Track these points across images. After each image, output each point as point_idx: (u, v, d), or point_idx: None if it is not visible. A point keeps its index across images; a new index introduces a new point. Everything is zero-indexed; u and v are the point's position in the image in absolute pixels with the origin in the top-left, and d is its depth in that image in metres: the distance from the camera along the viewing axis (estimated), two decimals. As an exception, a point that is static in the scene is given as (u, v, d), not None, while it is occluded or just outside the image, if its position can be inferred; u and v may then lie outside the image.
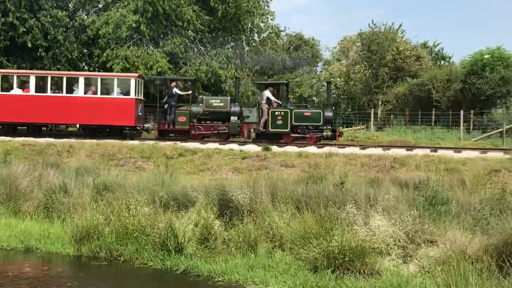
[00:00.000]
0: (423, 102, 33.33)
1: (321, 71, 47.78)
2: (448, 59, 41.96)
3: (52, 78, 27.42)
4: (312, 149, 23.84)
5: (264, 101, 26.42)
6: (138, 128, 27.47)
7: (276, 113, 25.88)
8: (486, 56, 32.84)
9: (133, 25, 32.20)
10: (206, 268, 10.52)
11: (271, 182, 14.04)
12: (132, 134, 27.42)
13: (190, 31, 35.08)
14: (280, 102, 26.50)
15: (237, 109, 26.59)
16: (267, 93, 26.60)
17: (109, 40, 33.39)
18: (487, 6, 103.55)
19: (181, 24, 33.47)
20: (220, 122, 26.65)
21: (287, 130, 25.83)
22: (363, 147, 24.31)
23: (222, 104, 26.52)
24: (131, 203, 12.32)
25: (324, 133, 25.81)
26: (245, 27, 37.64)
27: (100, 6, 36.36)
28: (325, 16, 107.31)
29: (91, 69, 36.99)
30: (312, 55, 49.71)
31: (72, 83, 27.30)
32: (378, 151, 23.33)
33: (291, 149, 24.02)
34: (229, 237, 11.51)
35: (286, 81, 29.98)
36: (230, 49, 37.22)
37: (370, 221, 10.93)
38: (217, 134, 26.55)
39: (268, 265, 10.21)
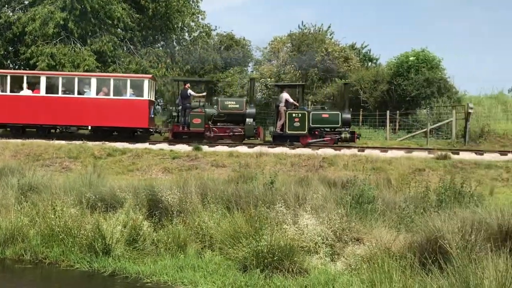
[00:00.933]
0: (351, 103, 33.99)
1: (252, 71, 47.91)
2: (375, 60, 42.83)
3: (64, 78, 26.72)
4: (243, 149, 23.93)
5: (282, 103, 26.05)
6: (151, 130, 26.92)
7: (294, 115, 25.56)
8: (411, 58, 33.71)
9: (61, 22, 31.46)
10: (134, 270, 10.41)
11: (201, 182, 14.01)
12: (144, 136, 26.75)
13: (119, 29, 34.57)
14: (298, 104, 26.24)
15: (252, 110, 26.30)
16: (285, 95, 26.25)
17: (36, 37, 32.50)
18: (413, 10, 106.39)
19: (110, 22, 32.97)
20: (233, 124, 26.25)
21: (305, 132, 25.54)
22: (293, 147, 24.58)
23: (237, 105, 26.10)
24: (57, 204, 12.06)
25: (343, 135, 25.57)
26: (175, 26, 37.39)
27: (26, 2, 35.35)
28: (258, 16, 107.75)
29: (16, 67, 35.89)
30: (243, 55, 49.80)
31: (83, 84, 26.59)
32: (308, 151, 23.64)
33: (222, 149, 24.04)
34: (158, 238, 11.43)
35: (302, 83, 29.60)
36: (161, 48, 36.90)
37: (299, 220, 11.06)
38: (232, 136, 26.13)
39: (198, 265, 10.19)
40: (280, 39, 41.33)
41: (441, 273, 7.90)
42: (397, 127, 30.86)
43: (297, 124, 25.39)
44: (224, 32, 48.26)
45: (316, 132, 25.64)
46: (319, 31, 39.47)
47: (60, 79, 26.42)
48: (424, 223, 10.03)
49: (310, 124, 25.40)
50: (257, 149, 23.57)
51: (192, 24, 38.75)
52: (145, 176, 20.08)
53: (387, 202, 12.69)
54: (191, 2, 37.82)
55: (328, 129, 25.72)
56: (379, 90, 32.99)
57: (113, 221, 11.78)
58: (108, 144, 24.14)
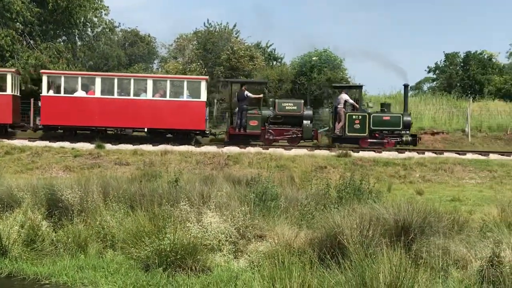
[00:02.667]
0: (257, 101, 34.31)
1: (158, 69, 47.43)
2: (280, 59, 43.41)
3: (119, 80, 25.56)
4: (147, 147, 23.67)
5: (341, 105, 25.47)
6: (207, 132, 25.99)
7: (354, 117, 25.09)
8: (314, 58, 34.38)
9: (-46, 14, 29.98)
10: (32, 271, 10.08)
11: (103, 181, 13.75)
12: (199, 139, 25.86)
13: (18, 23, 33.25)
14: (358, 106, 25.66)
15: (309, 112, 25.71)
16: (344, 96, 25.69)
17: None
18: (314, 11, 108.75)
19: (9, 15, 31.67)
20: (290, 126, 25.55)
21: (365, 134, 25.10)
22: (198, 145, 24.56)
23: (295, 107, 25.44)
24: None
25: (404, 138, 25.13)
26: (77, 21, 36.36)
27: None
28: (164, 13, 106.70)
29: None
30: (148, 52, 49.23)
31: (139, 85, 25.48)
32: (213, 148, 23.69)
33: (126, 147, 23.68)
34: (57, 238, 11.12)
35: (361, 84, 28.88)
36: (62, 43, 35.83)
37: (203, 218, 11.06)
38: (290, 138, 25.43)
39: (99, 265, 10.00)
40: (185, 36, 41.13)
41: (339, 268, 8.14)
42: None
43: (357, 126, 25.04)
44: (129, 28, 47.60)
45: (377, 135, 25.35)
46: (225, 29, 39.56)
47: (116, 80, 25.50)
48: (324, 219, 10.27)
49: (371, 126, 25.10)
50: (162, 147, 23.39)
51: (95, 19, 37.82)
52: (45, 174, 19.49)
53: (290, 199, 12.92)
54: (94, -4, 36.92)
55: (388, 132, 25.39)
56: (283, 89, 33.44)
57: (10, 221, 11.37)
58: (6, 142, 23.24)
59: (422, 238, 9.51)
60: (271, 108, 25.93)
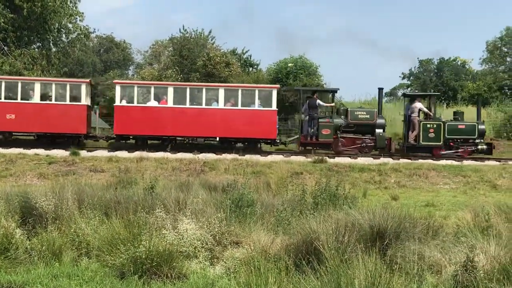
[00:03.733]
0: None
1: (133, 75, 47.27)
2: (256, 66, 43.56)
3: (192, 89, 25.60)
4: (123, 153, 23.57)
5: (415, 113, 25.28)
6: (278, 141, 25.84)
7: (428, 125, 24.98)
8: (290, 65, 34.60)
9: None
10: (5, 279, 9.92)
11: (78, 188, 13.62)
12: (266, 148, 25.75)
13: (-9, 29, 32.97)
14: (432, 115, 25.54)
15: (382, 121, 25.61)
16: (418, 105, 25.51)
17: None
18: (291, 18, 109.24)
19: (-18, 22, 31.38)
20: (362, 134, 25.43)
21: (440, 143, 24.95)
22: (175, 151, 24.49)
23: (368, 116, 25.33)
24: None
25: (479, 147, 24.96)
26: (52, 27, 36.13)
27: None
28: (140, 20, 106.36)
29: None
30: (123, 58, 49.07)
31: (211, 94, 25.48)
32: (189, 155, 23.64)
33: (101, 153, 23.56)
34: (32, 246, 10.97)
35: (436, 93, 28.34)
36: (36, 50, 35.56)
37: (179, 224, 11.01)
38: (363, 148, 25.26)
39: (73, 273, 9.87)
40: (161, 42, 41.07)
41: (315, 274, 8.15)
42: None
43: (431, 135, 24.98)
44: (104, 34, 47.40)
45: (451, 144, 25.22)
46: (201, 35, 39.56)
47: (188, 90, 25.51)
48: (300, 225, 10.28)
49: (446, 135, 24.99)
50: (137, 153, 23.30)
51: (70, 25, 37.61)
52: (19, 182, 19.33)
53: (266, 205, 12.92)
54: (68, 3, 36.69)
55: (462, 140, 25.30)
56: (259, 95, 33.47)
57: (-18, 229, 11.18)
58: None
59: (397, 243, 9.56)
60: (342, 116, 25.82)
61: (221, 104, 25.67)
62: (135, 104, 25.65)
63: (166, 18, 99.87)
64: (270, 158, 23.67)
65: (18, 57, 32.78)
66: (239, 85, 27.74)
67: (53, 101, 25.83)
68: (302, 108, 26.33)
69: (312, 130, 25.42)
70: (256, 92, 25.99)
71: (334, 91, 28.24)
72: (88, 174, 20.69)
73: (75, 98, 26.08)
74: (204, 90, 25.88)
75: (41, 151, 23.53)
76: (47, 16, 34.91)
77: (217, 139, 25.71)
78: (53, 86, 26.09)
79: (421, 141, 25.15)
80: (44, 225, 11.63)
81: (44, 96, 25.98)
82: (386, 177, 21.17)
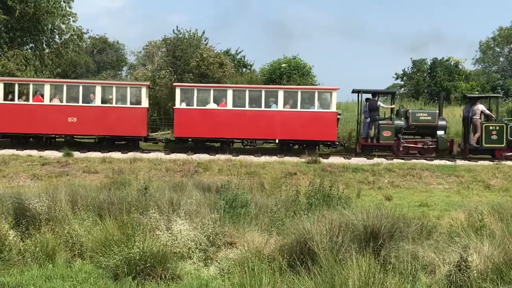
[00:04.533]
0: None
1: (126, 76, 47.20)
2: (249, 66, 43.55)
3: (251, 91, 25.64)
4: (116, 154, 23.53)
5: (476, 115, 25.13)
6: (337, 143, 25.74)
7: (491, 127, 24.83)
8: (283, 65, 34.63)
9: None
10: (-1, 281, 9.91)
11: (72, 189, 13.59)
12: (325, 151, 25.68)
13: (-16, 30, 32.87)
14: (494, 116, 25.42)
15: (443, 123, 25.48)
16: (480, 107, 25.38)
17: None
18: (285, 20, 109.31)
19: (-25, 22, 31.27)
20: (423, 136, 25.31)
21: (503, 145, 24.84)
22: (168, 152, 24.47)
23: (430, 118, 25.17)
24: None
25: None
26: (45, 28, 36.02)
27: None
28: (133, 20, 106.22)
29: None
30: (117, 59, 48.98)
31: (270, 97, 25.46)
32: (183, 156, 23.63)
33: (94, 155, 23.52)
34: (25, 247, 10.93)
35: (498, 94, 27.99)
36: (29, 50, 35.45)
37: (173, 225, 11.00)
38: (425, 150, 25.09)
39: (67, 274, 9.85)
40: (154, 43, 41.02)
41: (308, 274, 8.16)
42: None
43: (494, 137, 24.83)
44: (97, 35, 47.30)
45: None
46: (194, 36, 39.53)
47: (247, 92, 25.53)
48: (294, 225, 10.29)
49: (509, 137, 24.83)
50: (131, 154, 23.27)
51: (63, 26, 37.49)
52: (12, 183, 19.30)
53: (260, 205, 12.93)
54: (62, 4, 36.59)
55: None
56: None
57: (-25, 231, 11.14)
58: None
59: (391, 244, 9.58)
60: (402, 118, 25.67)
61: (280, 106, 25.62)
62: (195, 106, 25.64)
63: (161, 19, 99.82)
64: (263, 158, 23.68)
65: (11, 57, 32.66)
66: (299, 87, 27.77)
67: (113, 104, 25.84)
68: (362, 111, 26.22)
69: (373, 132, 25.41)
70: (316, 94, 25.93)
71: (393, 93, 28.21)
72: (82, 175, 20.66)
73: (135, 101, 26.14)
74: (263, 92, 25.85)
75: (34, 152, 23.47)
76: (40, 17, 34.80)
77: (277, 141, 25.72)
78: (114, 89, 26.11)
79: (483, 143, 25.05)
80: (38, 226, 11.59)
81: (105, 99, 26.01)
82: (379, 177, 21.21)
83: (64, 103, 25.70)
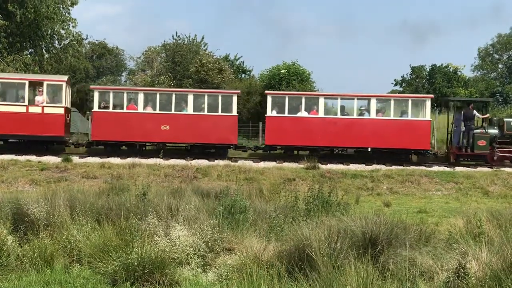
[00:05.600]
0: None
1: (126, 81, 47.21)
2: (248, 72, 43.62)
3: (342, 99, 25.69)
4: (115, 160, 23.51)
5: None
6: (430, 152, 25.64)
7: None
8: (282, 71, 34.68)
9: None
10: (-3, 287, 9.89)
11: (70, 195, 13.57)
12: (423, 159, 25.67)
13: (-16, 36, 32.90)
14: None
15: None
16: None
17: None
18: (284, 24, 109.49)
19: (-26, 28, 31.32)
20: None
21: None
22: (167, 158, 24.46)
23: None
24: None
25: None
26: (45, 33, 36.07)
27: None
28: (132, 26, 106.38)
29: None
30: (116, 64, 49.02)
31: (362, 104, 25.61)
32: (182, 161, 23.62)
33: (93, 160, 23.50)
34: (23, 253, 10.92)
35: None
36: (29, 56, 35.49)
37: (171, 231, 10.99)
38: None
39: (65, 280, 9.83)
40: (154, 49, 41.06)
41: (307, 281, 8.15)
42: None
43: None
44: (96, 40, 47.34)
45: None
46: (193, 42, 39.59)
47: (339, 100, 25.54)
48: (293, 232, 10.28)
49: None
50: (130, 160, 23.25)
51: (62, 31, 37.55)
52: (11, 188, 19.27)
53: (259, 211, 12.90)
54: (61, 9, 36.66)
55: None
56: (252, 102, 33.55)
57: (-26, 236, 11.12)
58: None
59: (389, 250, 9.57)
60: (496, 127, 25.53)
61: (372, 114, 25.56)
62: (286, 114, 25.63)
63: (161, 25, 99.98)
64: (262, 164, 23.67)
65: (11, 62, 32.70)
66: (392, 95, 28.01)
67: (205, 112, 25.93)
68: (453, 120, 26.05)
69: (468, 141, 25.13)
70: (409, 102, 25.77)
71: (486, 102, 27.89)
72: (81, 181, 20.64)
73: (226, 108, 26.17)
74: (355, 101, 25.84)
75: (33, 158, 23.45)
76: (40, 22, 34.87)
77: (369, 149, 25.53)
78: (205, 97, 26.26)
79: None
80: (36, 231, 11.58)
81: (197, 107, 26.13)
82: (378, 184, 21.21)
83: (157, 111, 25.84)
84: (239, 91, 28.60)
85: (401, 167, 23.63)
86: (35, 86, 26.07)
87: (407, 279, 8.48)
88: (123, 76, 50.24)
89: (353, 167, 23.59)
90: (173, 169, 22.11)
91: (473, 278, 8.35)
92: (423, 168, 23.68)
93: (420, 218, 14.64)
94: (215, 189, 15.79)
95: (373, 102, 25.54)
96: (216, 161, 23.72)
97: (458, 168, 23.83)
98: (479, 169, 23.68)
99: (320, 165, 23.10)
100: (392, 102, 25.81)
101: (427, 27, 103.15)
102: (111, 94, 26.17)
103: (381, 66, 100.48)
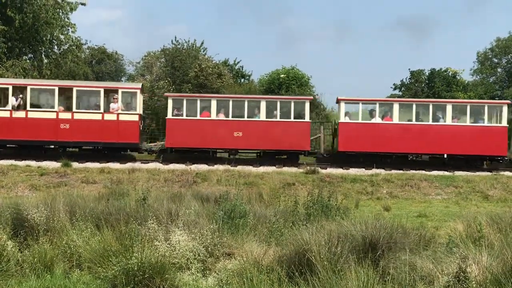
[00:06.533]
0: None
1: (125, 86, 47.21)
2: (248, 77, 43.67)
3: (417, 105, 25.78)
4: (115, 165, 23.51)
5: None
6: (507, 158, 25.47)
7: None
8: (282, 76, 34.75)
9: None
10: (-3, 293, 9.87)
11: (70, 200, 13.56)
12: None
13: (-17, 41, 32.92)
14: None
15: None
16: None
17: None
18: (284, 29, 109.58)
19: (-27, 33, 31.33)
20: None
21: None
22: (167, 162, 24.45)
23: None
24: None
25: None
26: (44, 38, 36.10)
27: None
28: (132, 31, 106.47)
29: None
30: (115, 69, 48.98)
31: (437, 111, 25.53)
32: (181, 166, 23.61)
33: (93, 165, 23.49)
34: (23, 258, 10.91)
35: None
36: (28, 61, 35.50)
37: (171, 236, 10.98)
38: None
39: (65, 285, 9.82)
40: (153, 54, 41.08)
41: (307, 286, 8.14)
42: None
43: None
44: (96, 45, 47.33)
45: None
46: (193, 47, 39.62)
47: (414, 106, 25.62)
48: (293, 236, 10.28)
49: None
50: (129, 165, 23.25)
51: (62, 37, 37.56)
52: (10, 194, 19.27)
53: (259, 216, 12.90)
54: (60, 14, 36.68)
55: None
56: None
57: (-27, 242, 11.10)
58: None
59: (390, 254, 9.57)
60: None
61: (448, 120, 25.51)
62: (360, 121, 25.78)
63: (160, 30, 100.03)
64: (262, 169, 23.67)
65: (10, 68, 32.71)
66: (468, 101, 27.83)
67: (278, 119, 25.97)
68: None
69: None
70: (485, 107, 25.74)
71: None
72: (80, 186, 20.64)
73: (298, 115, 26.18)
74: (431, 106, 25.79)
75: (32, 163, 23.44)
76: (39, 28, 34.91)
77: (445, 155, 25.41)
78: (278, 104, 26.33)
79: None
80: (36, 237, 11.58)
81: (269, 114, 26.18)
82: (378, 188, 21.21)
83: (230, 118, 25.93)
84: (311, 97, 28.68)
85: (401, 171, 23.63)
86: (110, 93, 26.36)
87: (407, 283, 8.48)
88: (122, 81, 50.23)
89: (353, 171, 23.59)
90: (172, 174, 22.11)
91: (473, 282, 8.35)
92: (423, 172, 23.68)
93: (420, 222, 14.64)
94: (214, 194, 15.81)
95: (449, 108, 25.55)
96: (216, 166, 23.71)
97: (457, 172, 23.83)
98: (478, 173, 23.68)
99: (319, 169, 23.10)
100: (468, 108, 25.68)
101: (424, 20, 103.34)
102: (184, 102, 26.23)
103: (380, 70, 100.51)
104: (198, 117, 25.93)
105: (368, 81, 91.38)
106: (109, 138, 25.21)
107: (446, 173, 23.79)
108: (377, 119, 25.83)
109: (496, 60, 57.83)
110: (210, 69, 35.95)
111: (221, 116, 26.05)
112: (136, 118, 25.71)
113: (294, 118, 25.96)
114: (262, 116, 25.91)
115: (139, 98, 26.26)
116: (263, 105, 26.00)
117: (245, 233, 11.47)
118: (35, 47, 36.44)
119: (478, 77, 56.93)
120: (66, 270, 10.67)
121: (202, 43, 41.29)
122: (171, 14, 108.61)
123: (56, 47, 38.62)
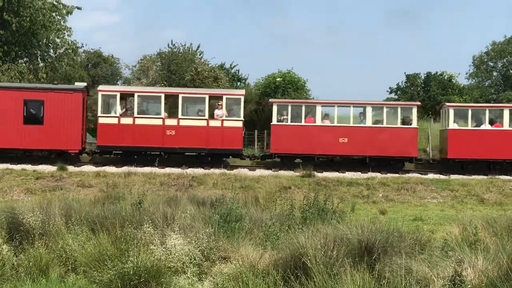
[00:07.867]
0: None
1: (121, 89, 47.17)
2: (244, 80, 43.68)
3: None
4: (111, 169, 23.48)
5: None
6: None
7: None
8: (278, 79, 34.78)
9: None
10: (-8, 297, 9.85)
11: (65, 203, 13.53)
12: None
13: (-21, 45, 32.90)
14: None
15: None
16: None
17: None
18: (280, 32, 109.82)
19: (-31, 36, 31.30)
20: None
21: None
22: (163, 166, 24.43)
23: None
24: None
25: None
26: (40, 42, 36.09)
27: None
28: (128, 35, 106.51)
29: None
30: (111, 73, 48.95)
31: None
32: (177, 170, 23.60)
33: (89, 168, 23.47)
34: (18, 262, 10.88)
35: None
36: (24, 64, 35.46)
37: (167, 240, 10.97)
38: None
39: (61, 290, 9.83)
40: (149, 57, 41.08)
41: (303, 289, 8.14)
42: (264, 146, 31.46)
43: None
44: (92, 49, 47.31)
45: None
46: (189, 50, 39.63)
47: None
48: (289, 240, 10.27)
49: None
50: (125, 168, 23.23)
51: (58, 40, 37.54)
52: (6, 198, 19.24)
53: (255, 219, 12.89)
54: (56, 18, 36.68)
55: None
56: (247, 110, 33.55)
57: (-32, 246, 11.08)
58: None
59: (385, 258, 9.56)
60: None
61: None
62: (469, 127, 25.58)
63: (156, 33, 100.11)
64: (258, 172, 23.67)
65: (6, 71, 32.68)
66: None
67: (384, 125, 25.94)
68: None
69: None
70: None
71: None
72: (76, 189, 20.60)
73: (405, 120, 26.11)
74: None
75: (28, 167, 23.39)
76: (35, 31, 34.90)
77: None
78: (384, 109, 26.36)
79: None
80: (31, 241, 11.54)
81: (375, 120, 26.22)
82: (374, 192, 21.23)
83: (335, 123, 25.88)
84: (419, 103, 28.76)
85: (397, 175, 23.66)
86: (214, 100, 26.54)
87: (403, 287, 8.48)
88: (118, 84, 50.21)
89: (349, 175, 23.61)
90: (168, 178, 22.09)
91: (469, 286, 8.35)
92: (419, 175, 23.71)
93: (416, 226, 14.64)
94: (211, 198, 15.78)
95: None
96: (212, 170, 23.71)
97: (453, 176, 23.87)
98: (474, 176, 23.73)
99: (315, 173, 23.10)
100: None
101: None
102: (289, 107, 26.26)
103: (376, 73, 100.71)
104: (303, 123, 25.94)
105: (363, 84, 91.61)
106: (214, 145, 25.44)
107: (442, 176, 23.83)
108: (486, 126, 25.56)
109: (491, 64, 58.02)
110: (206, 72, 35.94)
111: (326, 122, 26.08)
112: (240, 124, 25.96)
113: (401, 123, 25.93)
114: (368, 122, 25.86)
115: (242, 105, 26.39)
116: (369, 110, 25.93)
117: (241, 237, 11.46)
118: (31, 50, 36.44)
119: (474, 80, 57.13)
120: (61, 274, 10.65)
121: (198, 46, 41.37)
122: (167, 19, 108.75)
123: (52, 50, 38.62)
